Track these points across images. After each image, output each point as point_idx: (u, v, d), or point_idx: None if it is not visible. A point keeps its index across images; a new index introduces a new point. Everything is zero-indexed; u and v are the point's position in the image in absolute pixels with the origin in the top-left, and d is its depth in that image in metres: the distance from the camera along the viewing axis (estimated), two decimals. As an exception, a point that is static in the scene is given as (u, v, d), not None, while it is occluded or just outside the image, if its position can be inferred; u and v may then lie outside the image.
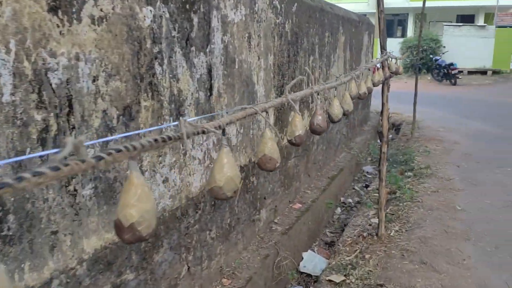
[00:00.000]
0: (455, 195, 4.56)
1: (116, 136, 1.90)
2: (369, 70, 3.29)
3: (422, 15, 7.67)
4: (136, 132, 2.02)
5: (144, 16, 2.05)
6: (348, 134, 7.05)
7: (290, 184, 4.40)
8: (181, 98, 2.40)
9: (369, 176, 6.82)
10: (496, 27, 21.87)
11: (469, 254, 3.27)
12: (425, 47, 20.37)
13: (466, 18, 25.76)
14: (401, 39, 23.37)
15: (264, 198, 3.77)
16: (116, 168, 1.94)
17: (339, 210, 5.45)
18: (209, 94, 2.70)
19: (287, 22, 3.95)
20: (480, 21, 25.13)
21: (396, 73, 3.56)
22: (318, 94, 1.99)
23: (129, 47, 1.97)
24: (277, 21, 3.73)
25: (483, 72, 20.25)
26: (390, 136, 9.40)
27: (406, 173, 5.46)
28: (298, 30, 4.27)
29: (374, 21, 23.89)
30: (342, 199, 5.79)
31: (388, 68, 3.32)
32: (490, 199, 4.52)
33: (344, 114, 2.36)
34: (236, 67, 3.04)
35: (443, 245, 3.41)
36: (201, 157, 2.64)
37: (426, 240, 3.51)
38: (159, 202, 2.28)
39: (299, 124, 1.72)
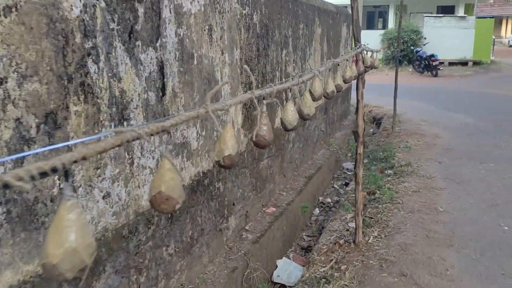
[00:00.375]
0: (437, 195, 4.34)
1: (36, 150, 1.59)
2: (347, 62, 3.03)
3: (401, 6, 7.43)
4: (64, 144, 1.71)
5: (71, 6, 1.74)
6: (327, 130, 6.80)
7: (263, 186, 4.13)
8: (124, 100, 2.09)
9: (349, 173, 6.58)
10: (476, 17, 21.85)
11: (452, 263, 3.04)
12: (406, 38, 20.25)
13: (446, 9, 25.73)
14: (382, 31, 23.22)
15: (233, 204, 3.49)
16: (38, 186, 1.63)
17: (317, 211, 5.19)
18: (161, 94, 2.40)
19: (255, 13, 3.65)
20: (460, 12, 25.12)
21: (371, 67, 3.30)
22: (264, 99, 1.70)
23: (51, 42, 1.65)
24: (244, 12, 3.43)
25: (464, 63, 20.22)
26: (371, 130, 9.20)
27: (386, 171, 5.23)
28: (268, 22, 3.97)
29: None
30: (320, 198, 5.54)
31: (363, 62, 3.06)
32: (474, 198, 4.31)
33: (304, 119, 2.06)
34: (195, 63, 2.74)
35: (424, 253, 3.17)
36: (153, 165, 2.34)
37: (406, 247, 3.27)
38: (98, 221, 1.97)
39: (230, 141, 1.40)
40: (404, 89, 13.37)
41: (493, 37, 22.27)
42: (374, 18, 29.14)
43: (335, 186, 6.02)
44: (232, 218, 3.47)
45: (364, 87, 3.26)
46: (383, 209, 4.00)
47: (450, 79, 16.17)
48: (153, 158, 2.35)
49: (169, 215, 2.55)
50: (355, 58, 3.19)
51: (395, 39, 20.73)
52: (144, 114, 2.26)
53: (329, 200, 5.47)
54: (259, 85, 3.86)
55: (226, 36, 3.14)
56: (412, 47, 19.84)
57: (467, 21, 20.80)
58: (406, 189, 4.48)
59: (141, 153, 2.25)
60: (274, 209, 4.16)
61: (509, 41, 36.98)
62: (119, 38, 2.03)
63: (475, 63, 20.18)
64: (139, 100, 2.20)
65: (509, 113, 9.10)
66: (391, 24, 25.85)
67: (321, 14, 5.95)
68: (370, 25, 29.09)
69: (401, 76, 17.44)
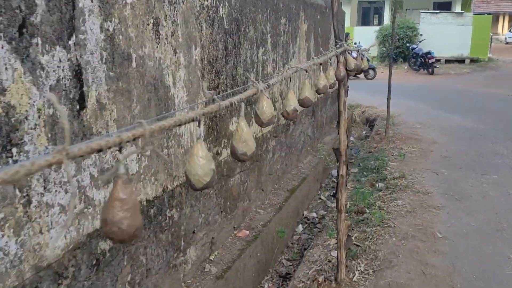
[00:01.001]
0: (435, 216, 3.80)
1: None
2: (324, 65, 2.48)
3: (396, 2, 6.87)
4: None
5: None
6: (314, 135, 6.25)
7: (234, 206, 3.58)
8: (12, 119, 1.53)
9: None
10: (473, 14, 21.34)
11: (453, 311, 2.51)
12: (401, 35, 19.72)
13: (443, 5, 25.20)
14: (378, 28, 22.68)
15: (193, 232, 2.93)
16: None
17: (300, 228, 4.65)
18: (78, 107, 1.83)
19: (221, 5, 3.08)
20: (457, 8, 24.61)
21: (357, 70, 2.75)
22: (198, 120, 1.15)
23: None
24: (206, 3, 2.86)
25: (461, 61, 19.72)
26: (364, 132, 8.68)
27: (377, 185, 4.68)
28: (240, 16, 3.41)
29: (350, 8, 23.05)
30: (305, 213, 5.00)
31: (346, 65, 2.51)
32: (476, 220, 3.77)
33: (242, 159, 1.48)
34: (134, 65, 2.18)
35: (420, 297, 2.64)
36: (65, 201, 1.78)
37: None
38: (-36, 291, 1.42)
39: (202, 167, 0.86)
40: (400, 88, 12.84)
41: (491, 34, 21.78)
42: (370, 14, 28.60)
43: (322, 197, 5.48)
44: (192, 249, 2.91)
45: (347, 94, 2.71)
46: (372, 233, 3.46)
47: (446, 77, 15.67)
48: (66, 191, 1.79)
49: (95, 261, 2.00)
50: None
51: (390, 35, 20.20)
52: (50, 135, 1.69)
53: (314, 214, 4.93)
54: (228, 89, 3.30)
55: (180, 32, 2.58)
56: (407, 44, 19.30)
57: (464, 18, 20.29)
58: (399, 208, 3.94)
59: (45, 187, 1.69)
60: (248, 232, 3.62)
61: (505, 38, 36.53)
62: (2, 34, 1.47)
63: (472, 61, 19.68)
64: (39, 117, 1.64)
65: (509, 114, 8.58)
66: (386, 20, 25.30)
67: (307, 8, 5.39)
68: (366, 21, 28.55)
69: (396, 74, 16.94)
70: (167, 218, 2.59)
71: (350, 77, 10.85)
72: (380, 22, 26.77)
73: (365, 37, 22.54)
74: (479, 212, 3.90)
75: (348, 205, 4.11)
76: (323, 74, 2.07)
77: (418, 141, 6.46)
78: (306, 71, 1.96)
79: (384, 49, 20.48)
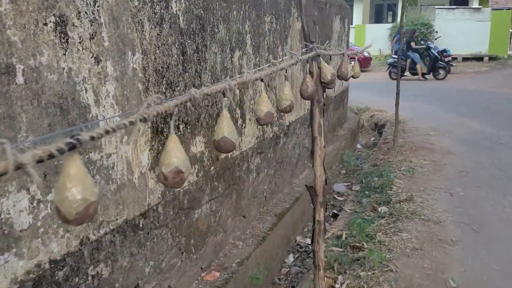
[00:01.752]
0: (447, 255, 3.13)
1: None
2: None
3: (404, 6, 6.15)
4: None
5: None
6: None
7: (201, 243, 2.96)
8: None
9: (340, 198, 5.39)
10: (491, 9, 20.38)
11: None
12: (416, 33, 18.86)
13: (459, 0, 24.22)
14: (391, 25, 21.87)
15: (137, 286, 2.33)
16: None
17: (291, 258, 4.02)
18: None
19: (174, 0, 2.47)
20: (475, 3, 23.62)
21: (342, 78, 2.11)
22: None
23: None
24: (149, -4, 2.25)
25: (479, 58, 18.82)
26: (372, 139, 7.99)
27: (380, 209, 4.02)
28: (204, 13, 2.79)
29: (362, 5, 22.28)
30: (298, 238, 4.36)
31: (320, 75, 1.87)
32: (500, 259, 3.08)
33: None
34: (20, 81, 1.57)
35: None
36: None
37: None
38: None
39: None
40: (413, 89, 12.10)
41: (510, 30, 20.79)
42: (383, 11, 27.76)
43: (320, 218, 4.82)
44: (134, 309, 2.30)
45: (323, 115, 2.07)
46: (367, 280, 2.80)
47: (464, 76, 14.82)
48: None
49: None
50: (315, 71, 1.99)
51: (404, 33, 19.37)
52: None
53: (308, 241, 4.29)
54: (188, 102, 2.69)
55: (106, 34, 1.97)
56: (422, 42, 18.45)
57: (482, 13, 19.37)
58: (404, 244, 3.28)
59: None
60: (218, 273, 3.00)
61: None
62: None
63: (491, 58, 18.77)
64: None
65: (533, 118, 7.81)
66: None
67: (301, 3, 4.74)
68: (379, 19, 27.73)
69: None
70: (90, 277, 1.98)
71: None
72: (394, 20, 25.88)
73: (377, 35, 21.76)
74: (502, 249, 3.21)
75: (344, 236, 3.47)
76: (264, 95, 1.44)
77: (430, 151, 5.76)
78: (262, 80, 1.35)
79: (398, 46, 19.65)
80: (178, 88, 2.57)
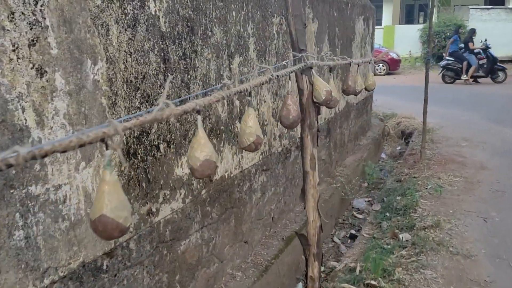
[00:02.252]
0: (479, 300, 2.66)
1: None
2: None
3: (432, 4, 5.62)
4: None
5: None
6: (330, 158, 5.16)
7: (190, 278, 2.58)
8: None
9: (360, 216, 4.92)
10: (530, 9, 19.36)
11: None
12: (448, 34, 18.08)
13: (495, 0, 23.16)
14: (422, 26, 21.06)
15: (101, 338, 1.96)
16: None
17: (300, 287, 3.59)
18: None
19: (153, -3, 2.10)
20: (511, 3, 22.52)
21: (350, 93, 1.69)
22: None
23: None
24: (116, -6, 1.88)
25: (516, 61, 17.85)
26: (398, 148, 7.47)
27: (401, 236, 3.53)
28: (193, 14, 2.41)
29: (392, 6, 21.53)
30: (310, 264, 3.91)
31: (312, 95, 1.45)
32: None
33: None
34: None
35: None
36: None
37: None
38: None
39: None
40: (444, 93, 11.44)
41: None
42: (414, 11, 26.88)
43: (336, 239, 4.39)
44: None
45: (316, 144, 1.66)
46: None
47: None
48: None
49: None
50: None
51: (436, 34, 18.62)
52: None
53: (321, 268, 3.84)
54: (175, 119, 2.30)
55: (53, 40, 1.61)
56: (481, 42, 17.59)
57: (519, 14, 18.40)
58: (428, 284, 2.80)
59: None
60: (208, 313, 2.61)
61: None
62: None
63: (529, 61, 17.76)
64: None
65: None
66: (432, 18, 23.52)
67: (318, 2, 4.32)
68: (409, 20, 26.85)
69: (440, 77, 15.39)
70: (30, 337, 1.62)
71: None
72: (425, 20, 24.96)
73: (407, 37, 21.01)
74: (546, 292, 2.72)
75: (358, 269, 3.03)
76: (202, 134, 1.04)
77: (461, 165, 5.22)
78: (199, 112, 0.97)
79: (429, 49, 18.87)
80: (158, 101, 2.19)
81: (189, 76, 2.41)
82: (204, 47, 2.54)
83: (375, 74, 16.60)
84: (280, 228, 3.78)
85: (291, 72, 1.32)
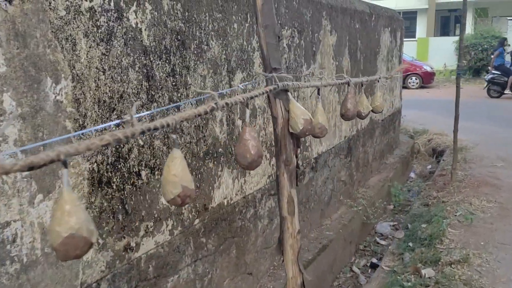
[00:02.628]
0: None
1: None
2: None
3: (464, 9, 5.22)
4: None
5: None
6: (352, 179, 4.82)
7: (178, 318, 2.32)
8: None
9: (383, 242, 4.56)
10: None
11: None
12: (485, 46, 17.38)
13: (536, 11, 22.19)
14: (457, 38, 20.34)
15: None
16: None
17: (311, 323, 3.26)
18: None
19: (133, 10, 1.88)
20: (553, 14, 21.54)
21: (349, 117, 1.41)
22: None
23: None
24: (86, 4, 1.68)
25: (558, 74, 16.91)
26: (429, 167, 7.04)
27: (424, 272, 3.17)
28: (185, 26, 2.19)
29: (426, 17, 20.98)
30: (324, 296, 3.60)
31: (289, 126, 1.18)
32: None
33: None
34: None
35: None
36: None
37: None
38: None
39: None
40: (483, 108, 10.89)
41: None
42: (449, 23, 26.12)
43: (355, 269, 4.05)
44: None
45: (297, 183, 1.37)
46: None
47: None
48: None
49: None
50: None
51: (472, 46, 17.94)
52: None
53: (336, 301, 3.53)
54: (158, 140, 2.08)
55: (0, 57, 1.40)
56: (492, 56, 16.91)
57: (562, 25, 17.52)
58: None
59: None
60: None
61: None
62: None
63: None
64: None
65: None
66: (468, 29, 22.74)
67: (336, 15, 4.04)
68: (445, 31, 26.10)
69: (478, 90, 14.74)
70: None
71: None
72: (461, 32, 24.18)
73: (442, 48, 20.37)
74: None
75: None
76: (178, 155, 0.76)
77: (496, 189, 4.78)
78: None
79: (465, 62, 18.20)
80: (140, 120, 1.96)
81: (178, 94, 2.18)
82: (198, 62, 2.30)
83: (407, 88, 16.06)
84: (291, 256, 3.47)
85: (251, 98, 1.06)
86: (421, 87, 16.60)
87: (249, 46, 2.75)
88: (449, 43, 20.25)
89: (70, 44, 1.62)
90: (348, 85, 1.58)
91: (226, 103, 0.95)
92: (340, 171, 4.48)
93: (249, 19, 2.72)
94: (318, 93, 1.83)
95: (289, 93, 1.21)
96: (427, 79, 16.71)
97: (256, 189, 2.96)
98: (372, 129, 5.50)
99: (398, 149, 6.81)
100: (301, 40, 3.41)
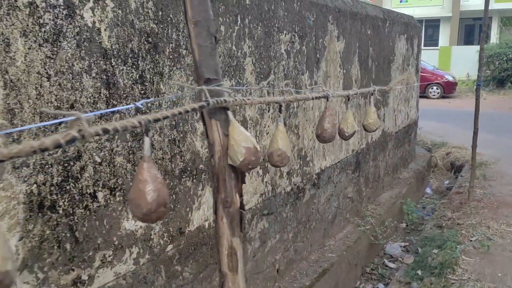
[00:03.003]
0: None
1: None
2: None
3: (485, 16, 4.85)
4: None
5: None
6: (360, 195, 4.50)
7: None
8: None
9: (392, 265, 4.22)
10: None
11: None
12: (510, 55, 16.79)
13: None
14: (482, 47, 19.71)
15: None
16: None
17: None
18: None
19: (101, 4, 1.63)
20: None
21: (325, 140, 1.14)
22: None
23: None
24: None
25: None
26: (446, 182, 6.65)
27: (432, 307, 2.83)
28: (157, 27, 1.94)
29: (449, 26, 20.44)
30: (322, 326, 3.29)
31: (228, 152, 0.91)
32: None
33: None
34: None
35: None
36: None
37: None
38: None
39: None
40: (504, 120, 10.41)
41: None
42: (474, 32, 25.44)
43: (360, 294, 3.72)
44: None
45: (241, 229, 1.00)
46: None
47: None
48: None
49: None
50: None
51: (497, 55, 17.35)
52: None
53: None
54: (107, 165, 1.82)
55: None
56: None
57: None
58: None
59: None
60: None
61: None
62: None
63: None
64: None
65: None
66: (493, 38, 22.06)
67: (344, 18, 3.75)
68: (469, 40, 25.43)
69: (503, 101, 14.18)
70: None
71: None
72: (486, 41, 23.51)
73: (465, 58, 19.79)
74: None
75: None
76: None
77: (517, 211, 4.40)
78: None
79: (488, 71, 17.62)
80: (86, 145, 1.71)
81: (149, 104, 1.92)
82: (174, 68, 2.04)
83: (428, 97, 15.56)
84: (288, 282, 3.18)
85: (154, 122, 0.78)
86: (442, 97, 16.10)
87: (240, 51, 2.48)
88: (472, 52, 19.64)
89: (2, 44, 1.37)
90: (327, 99, 1.28)
91: (116, 129, 0.68)
92: (347, 187, 4.17)
93: (239, 22, 2.45)
94: (280, 110, 1.48)
95: (229, 112, 0.93)
96: (448, 89, 16.20)
97: (246, 208, 2.67)
98: (385, 142, 5.16)
99: (414, 163, 6.44)
100: (303, 46, 3.13)
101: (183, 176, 2.15)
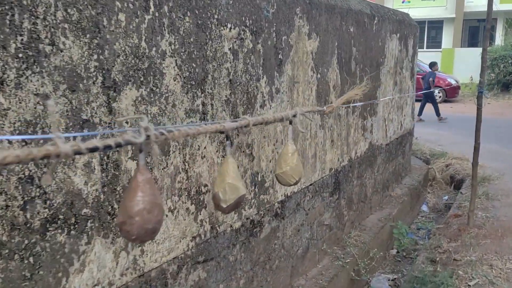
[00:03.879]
0: None
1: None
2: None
3: (488, 15, 4.17)
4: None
5: None
6: (341, 220, 3.83)
7: None
8: None
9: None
10: None
11: None
12: None
13: None
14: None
15: None
16: None
17: None
18: None
19: None
20: None
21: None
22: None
23: None
24: None
25: None
26: (445, 198, 5.99)
27: None
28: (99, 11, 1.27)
29: (453, 27, 19.76)
30: None
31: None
32: None
33: None
34: None
35: None
36: None
37: None
38: None
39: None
40: (510, 128, 9.72)
41: None
42: (478, 33, 24.69)
43: None
44: None
45: None
46: None
47: None
48: None
49: None
50: None
51: (502, 58, 16.64)
52: None
53: None
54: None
55: None
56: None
57: None
58: None
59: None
60: None
61: None
62: None
63: None
64: None
65: None
66: (498, 40, 21.32)
67: (318, 12, 3.09)
68: (473, 42, 24.70)
69: (508, 106, 13.48)
70: None
71: None
72: (491, 43, 22.75)
73: (469, 60, 19.09)
74: None
75: None
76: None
77: (527, 241, 3.71)
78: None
79: (493, 75, 16.91)
80: None
81: None
82: (29, 71, 1.38)
83: (429, 102, 14.85)
84: None
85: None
86: (445, 101, 15.39)
87: (154, 49, 1.82)
88: (476, 54, 18.89)
89: None
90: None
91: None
92: (323, 213, 3.50)
93: (152, 8, 1.79)
94: (227, 139, 0.95)
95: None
96: (451, 93, 15.49)
97: (168, 259, 2.01)
98: (372, 156, 4.49)
99: (408, 177, 5.77)
100: (258, 44, 2.47)
101: (50, 229, 1.49)
